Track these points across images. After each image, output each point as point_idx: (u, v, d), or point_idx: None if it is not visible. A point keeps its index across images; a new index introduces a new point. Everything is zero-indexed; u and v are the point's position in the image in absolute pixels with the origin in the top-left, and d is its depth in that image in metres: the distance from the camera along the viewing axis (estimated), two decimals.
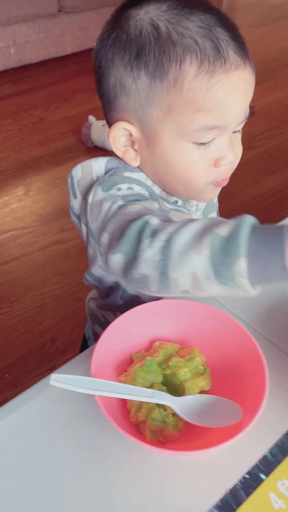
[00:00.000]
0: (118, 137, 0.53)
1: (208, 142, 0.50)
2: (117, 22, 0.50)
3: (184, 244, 0.41)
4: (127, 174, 0.54)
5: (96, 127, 2.06)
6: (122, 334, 0.50)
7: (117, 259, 0.45)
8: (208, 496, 0.42)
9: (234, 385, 0.47)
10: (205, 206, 0.66)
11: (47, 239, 1.66)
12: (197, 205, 0.63)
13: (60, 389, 0.43)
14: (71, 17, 2.61)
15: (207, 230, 0.40)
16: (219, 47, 0.46)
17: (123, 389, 0.44)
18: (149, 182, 0.56)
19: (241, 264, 0.38)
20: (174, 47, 0.46)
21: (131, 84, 0.49)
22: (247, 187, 1.89)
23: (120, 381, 0.47)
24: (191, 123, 0.48)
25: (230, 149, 0.52)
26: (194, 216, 0.63)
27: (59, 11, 2.56)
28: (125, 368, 0.50)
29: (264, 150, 2.10)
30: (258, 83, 0.52)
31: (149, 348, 0.52)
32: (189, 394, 0.46)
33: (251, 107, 0.60)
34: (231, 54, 0.46)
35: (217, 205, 0.71)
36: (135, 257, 0.43)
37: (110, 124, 0.55)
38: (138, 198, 0.50)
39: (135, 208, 0.47)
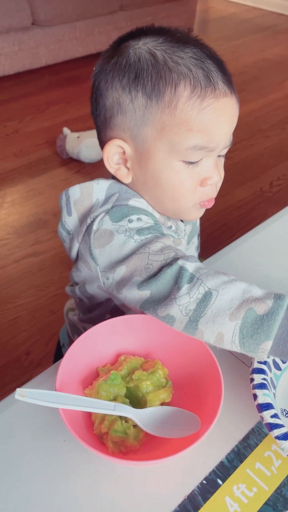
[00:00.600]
0: (112, 154, 0.56)
1: (197, 162, 0.54)
2: (116, 50, 0.54)
3: (221, 306, 0.45)
4: (131, 203, 0.57)
5: (71, 139, 2.08)
6: (88, 349, 0.52)
7: (143, 294, 0.49)
8: (167, 503, 0.44)
9: (194, 396, 0.50)
10: (190, 231, 0.69)
11: (21, 251, 1.66)
12: (184, 230, 0.66)
13: (26, 403, 0.45)
14: (45, 30, 2.64)
15: (244, 300, 0.45)
16: (210, 76, 0.51)
17: (86, 402, 0.46)
18: (149, 208, 0.59)
19: (267, 345, 0.43)
20: (170, 72, 0.50)
21: (128, 103, 0.53)
22: (219, 197, 1.91)
23: (85, 394, 0.49)
24: (182, 142, 0.52)
25: (216, 170, 0.56)
26: (182, 241, 0.66)
27: (33, 24, 2.58)
28: (91, 382, 0.52)
29: (236, 162, 2.15)
30: None
31: (115, 362, 0.54)
32: (150, 406, 0.48)
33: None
34: (220, 83, 0.52)
35: (199, 228, 0.75)
36: (167, 298, 0.47)
37: (103, 142, 0.58)
38: (151, 232, 0.53)
39: (157, 246, 0.51)
